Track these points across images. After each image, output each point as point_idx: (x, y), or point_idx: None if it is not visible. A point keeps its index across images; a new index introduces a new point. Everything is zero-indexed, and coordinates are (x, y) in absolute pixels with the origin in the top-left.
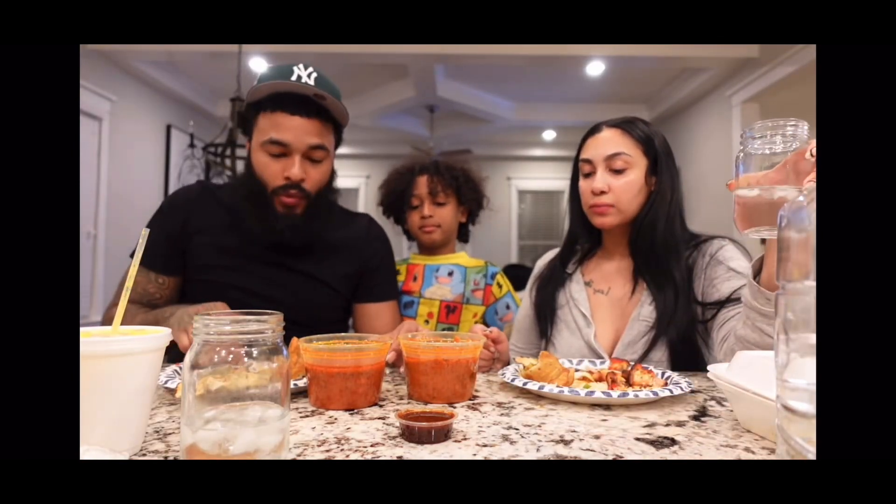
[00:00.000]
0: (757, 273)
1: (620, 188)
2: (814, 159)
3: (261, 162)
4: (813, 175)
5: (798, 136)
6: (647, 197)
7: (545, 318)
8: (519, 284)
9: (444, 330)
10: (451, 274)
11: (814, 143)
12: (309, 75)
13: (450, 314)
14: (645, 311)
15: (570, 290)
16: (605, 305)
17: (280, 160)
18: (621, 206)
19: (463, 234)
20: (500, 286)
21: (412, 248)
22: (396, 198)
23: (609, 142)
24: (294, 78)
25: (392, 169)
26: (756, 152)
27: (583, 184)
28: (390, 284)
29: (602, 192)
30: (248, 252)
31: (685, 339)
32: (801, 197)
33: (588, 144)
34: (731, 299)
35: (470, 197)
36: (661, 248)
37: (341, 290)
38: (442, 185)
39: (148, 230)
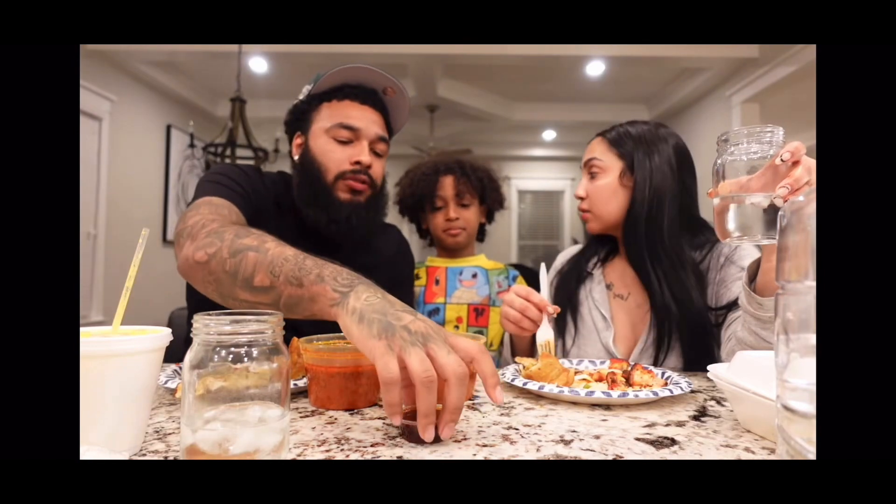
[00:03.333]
0: (754, 277)
1: (593, 193)
2: (787, 163)
3: (324, 149)
4: (787, 180)
5: (774, 141)
6: (626, 199)
7: (564, 312)
8: None
9: (475, 333)
10: (474, 276)
11: (787, 146)
12: None
13: (479, 317)
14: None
15: (590, 289)
16: (624, 311)
17: (347, 146)
18: (595, 210)
19: (480, 234)
20: None
21: (425, 247)
22: (417, 199)
23: (589, 149)
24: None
25: (411, 168)
26: (734, 159)
27: None
28: (409, 303)
29: (581, 199)
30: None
31: (700, 345)
32: (801, 197)
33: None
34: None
35: (493, 198)
36: (655, 250)
37: None
38: (467, 187)
39: (148, 230)
